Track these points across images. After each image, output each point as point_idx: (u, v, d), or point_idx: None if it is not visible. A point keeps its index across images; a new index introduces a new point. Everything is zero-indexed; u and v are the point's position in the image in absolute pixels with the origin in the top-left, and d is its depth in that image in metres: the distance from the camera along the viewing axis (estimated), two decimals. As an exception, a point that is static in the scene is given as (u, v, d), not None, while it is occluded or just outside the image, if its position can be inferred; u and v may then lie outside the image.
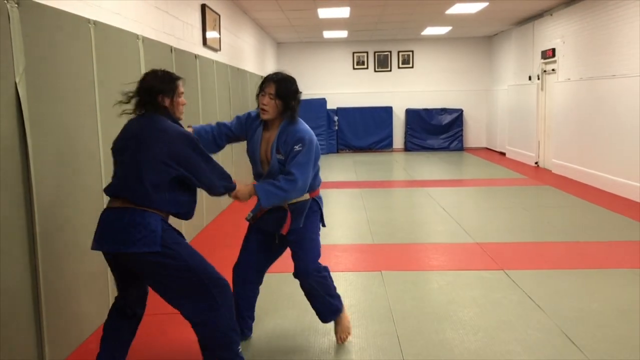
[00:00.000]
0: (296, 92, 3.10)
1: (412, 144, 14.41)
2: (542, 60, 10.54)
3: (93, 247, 2.59)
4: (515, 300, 3.88)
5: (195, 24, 6.50)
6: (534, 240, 5.48)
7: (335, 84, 14.71)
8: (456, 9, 9.89)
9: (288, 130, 3.02)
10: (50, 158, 3.05)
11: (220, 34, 7.60)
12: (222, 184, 2.75)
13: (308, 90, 14.55)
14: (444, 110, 14.40)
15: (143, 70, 4.42)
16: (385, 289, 4.14)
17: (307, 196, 3.11)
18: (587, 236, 5.60)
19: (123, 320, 2.77)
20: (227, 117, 7.55)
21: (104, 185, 3.65)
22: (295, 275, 3.15)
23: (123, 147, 2.63)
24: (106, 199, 3.68)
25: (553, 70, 10.12)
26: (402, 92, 14.64)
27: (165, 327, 3.53)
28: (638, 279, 4.25)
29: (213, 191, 2.75)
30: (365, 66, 14.73)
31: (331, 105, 14.39)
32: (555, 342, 3.22)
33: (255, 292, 3.31)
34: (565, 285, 4.17)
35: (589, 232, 5.75)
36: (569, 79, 9.22)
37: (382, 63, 14.71)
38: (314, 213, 3.16)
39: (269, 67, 12.78)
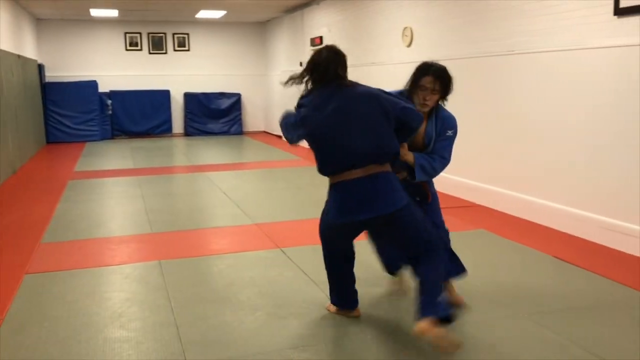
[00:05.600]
0: (452, 83, 3.24)
1: (192, 129, 14.24)
2: (312, 48, 11.14)
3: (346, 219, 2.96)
4: (291, 276, 4.07)
5: None
6: (307, 218, 5.81)
7: (107, 65, 13.82)
8: (229, -6, 9.95)
9: (442, 118, 3.28)
10: None
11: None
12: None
13: (75, 71, 13.49)
14: (222, 95, 14.45)
15: None
16: (164, 279, 4.05)
17: None
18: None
19: (348, 263, 3.27)
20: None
21: None
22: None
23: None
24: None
25: (322, 57, 10.76)
26: (180, 75, 14.34)
27: None
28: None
29: None
30: (139, 47, 14.10)
31: (103, 88, 13.50)
32: (331, 314, 3.46)
33: None
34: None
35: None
36: (336, 65, 9.89)
37: (157, 45, 14.22)
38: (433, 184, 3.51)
39: (28, 46, 11.54)
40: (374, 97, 2.95)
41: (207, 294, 3.77)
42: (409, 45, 7.55)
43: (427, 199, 3.39)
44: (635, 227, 4.44)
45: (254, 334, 3.17)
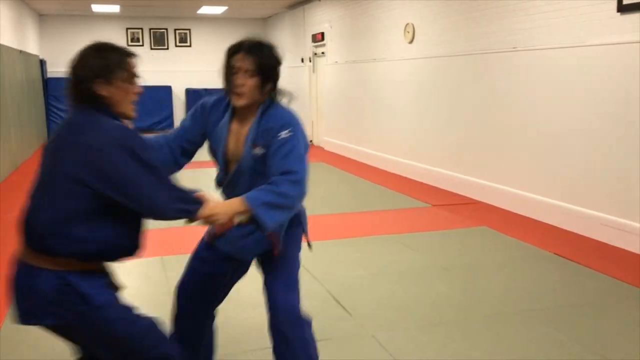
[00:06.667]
0: (279, 62, 2.19)
1: (194, 125, 14.23)
2: (313, 44, 11.13)
3: None
4: (293, 273, 4.07)
5: None
6: (311, 214, 5.81)
7: (108, 61, 13.81)
8: (231, -11, 9.93)
9: (269, 115, 2.17)
10: None
11: (-37, 2, 6.63)
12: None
13: (77, 67, 13.48)
14: (224, 90, 14.43)
15: None
16: (165, 274, 4.07)
17: None
18: (354, 207, 6.11)
19: None
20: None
21: None
22: (274, 315, 2.27)
23: None
24: None
25: (323, 53, 10.75)
26: (181, 71, 14.34)
27: None
28: (398, 243, 4.76)
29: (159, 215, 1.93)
30: (141, 43, 14.10)
31: (104, 84, 13.49)
32: (327, 309, 3.47)
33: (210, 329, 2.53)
34: (335, 254, 4.50)
35: (357, 203, 6.29)
36: (337, 62, 9.89)
37: (159, 41, 14.22)
38: (294, 225, 2.34)
39: (30, 42, 11.54)
40: (90, 160, 1.80)
41: (209, 290, 3.78)
42: (411, 41, 7.53)
43: (272, 252, 2.28)
44: (636, 224, 4.44)
45: (256, 330, 3.18)
